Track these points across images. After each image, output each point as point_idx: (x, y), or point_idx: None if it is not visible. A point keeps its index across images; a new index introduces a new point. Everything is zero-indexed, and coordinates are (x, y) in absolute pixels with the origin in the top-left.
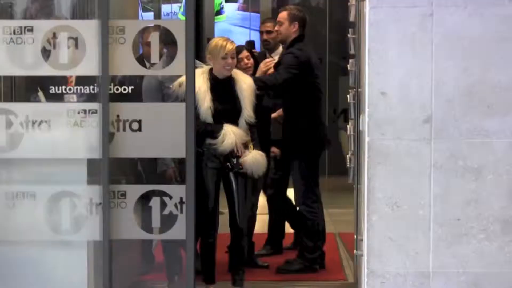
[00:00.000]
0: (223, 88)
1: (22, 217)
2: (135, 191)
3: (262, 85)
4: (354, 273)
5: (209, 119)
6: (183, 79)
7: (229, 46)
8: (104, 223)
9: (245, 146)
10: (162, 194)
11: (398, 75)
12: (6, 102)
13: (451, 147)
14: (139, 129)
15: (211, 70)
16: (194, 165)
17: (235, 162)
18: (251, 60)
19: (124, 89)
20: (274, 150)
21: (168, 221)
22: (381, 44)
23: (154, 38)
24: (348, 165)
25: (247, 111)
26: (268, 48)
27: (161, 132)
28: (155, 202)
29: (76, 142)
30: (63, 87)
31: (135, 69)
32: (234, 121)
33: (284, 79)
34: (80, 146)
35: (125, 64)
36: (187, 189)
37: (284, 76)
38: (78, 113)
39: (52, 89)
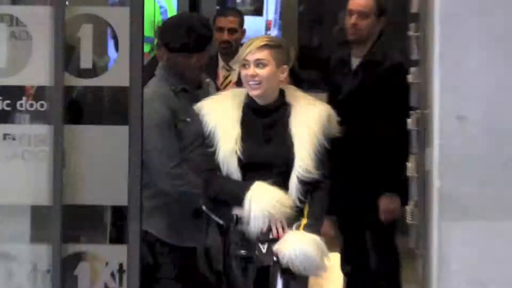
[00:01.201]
0: (264, 122)
1: None
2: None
3: None
4: None
5: (235, 172)
6: (200, 104)
7: (251, 47)
8: None
9: (295, 220)
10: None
11: (483, 91)
12: None
13: None
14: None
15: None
16: (140, 217)
17: (264, 250)
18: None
19: (41, 105)
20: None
21: None
22: (460, 46)
23: (85, 33)
24: (408, 220)
25: (303, 162)
26: (227, 53)
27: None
28: (82, 269)
29: (16, 182)
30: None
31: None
32: (281, 178)
33: None
34: (22, 187)
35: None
36: (130, 252)
37: None
38: (20, 139)
39: None
